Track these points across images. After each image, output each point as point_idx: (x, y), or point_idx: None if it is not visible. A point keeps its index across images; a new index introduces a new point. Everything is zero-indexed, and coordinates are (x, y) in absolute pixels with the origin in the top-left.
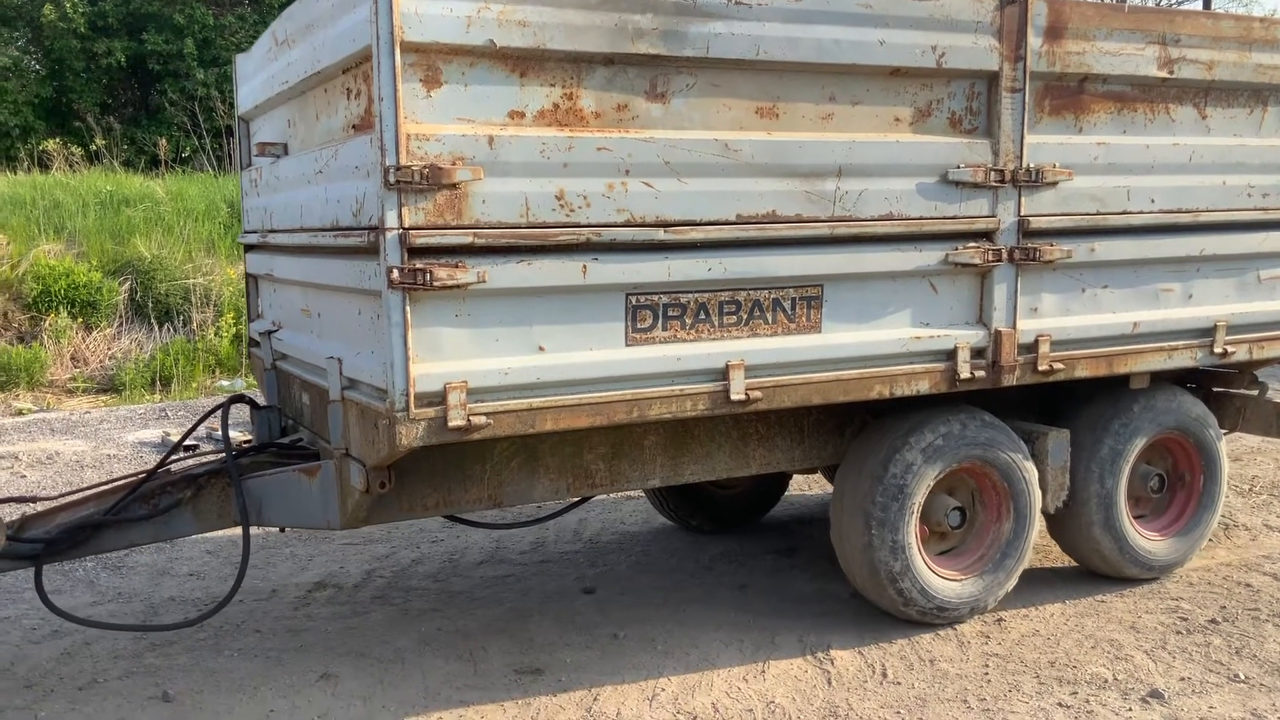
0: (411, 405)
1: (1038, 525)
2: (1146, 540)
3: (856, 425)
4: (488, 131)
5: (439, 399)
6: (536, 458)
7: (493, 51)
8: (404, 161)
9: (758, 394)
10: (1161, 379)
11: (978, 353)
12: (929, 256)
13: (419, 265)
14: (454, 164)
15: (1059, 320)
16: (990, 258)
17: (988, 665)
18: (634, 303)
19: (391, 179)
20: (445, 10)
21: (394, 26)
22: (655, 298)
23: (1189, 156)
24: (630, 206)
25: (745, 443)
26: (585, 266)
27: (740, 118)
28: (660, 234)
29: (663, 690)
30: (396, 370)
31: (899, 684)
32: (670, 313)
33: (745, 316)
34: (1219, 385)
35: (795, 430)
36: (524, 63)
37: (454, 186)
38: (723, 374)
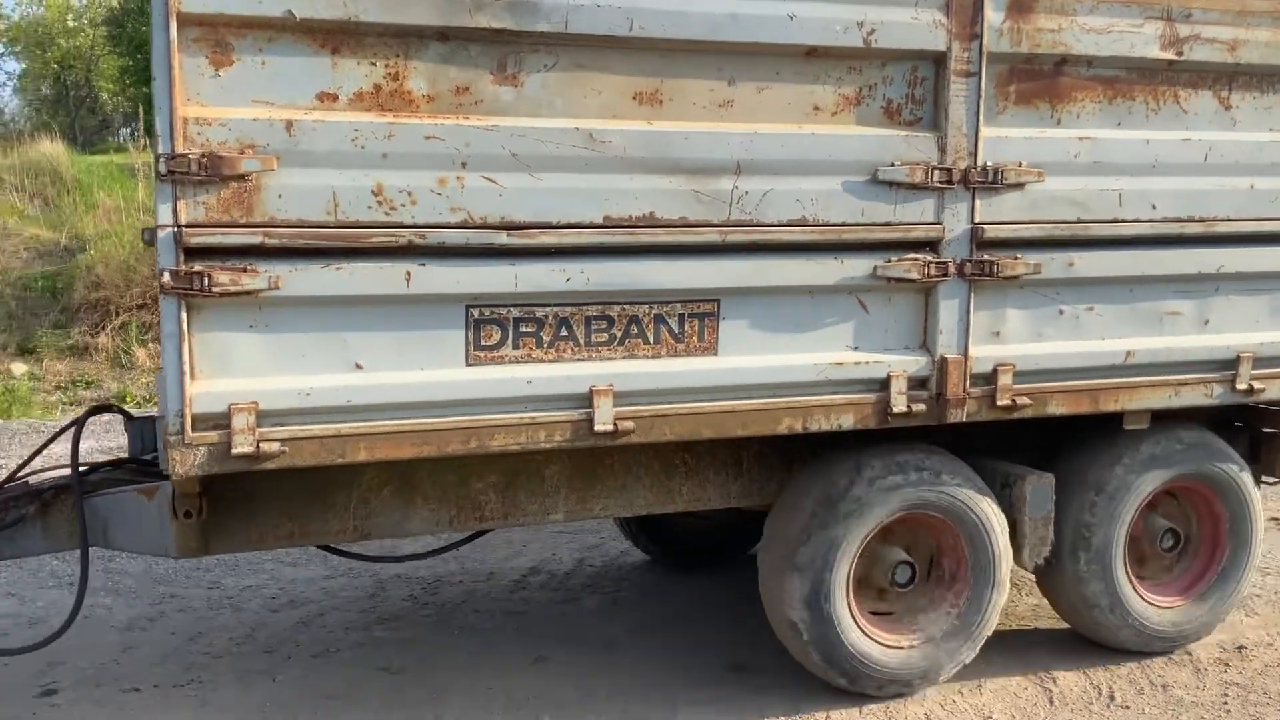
0: (187, 428)
1: (1008, 584)
2: (1151, 606)
3: (803, 461)
4: (287, 116)
5: (223, 421)
6: (413, 486)
7: (294, 24)
8: (179, 149)
9: (629, 424)
10: (1186, 416)
11: (917, 383)
12: (854, 269)
13: (197, 268)
14: (242, 153)
15: (1027, 346)
16: (933, 272)
17: (1227, 695)
18: (476, 316)
19: (164, 169)
20: None
21: None
22: (504, 311)
23: (1204, 154)
24: (468, 205)
25: (669, 476)
26: (409, 273)
27: (614, 104)
28: (503, 237)
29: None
30: (170, 388)
31: (1128, 708)
32: (523, 328)
33: (620, 335)
34: (1271, 425)
35: (731, 463)
36: (337, 37)
37: (242, 178)
38: (587, 400)
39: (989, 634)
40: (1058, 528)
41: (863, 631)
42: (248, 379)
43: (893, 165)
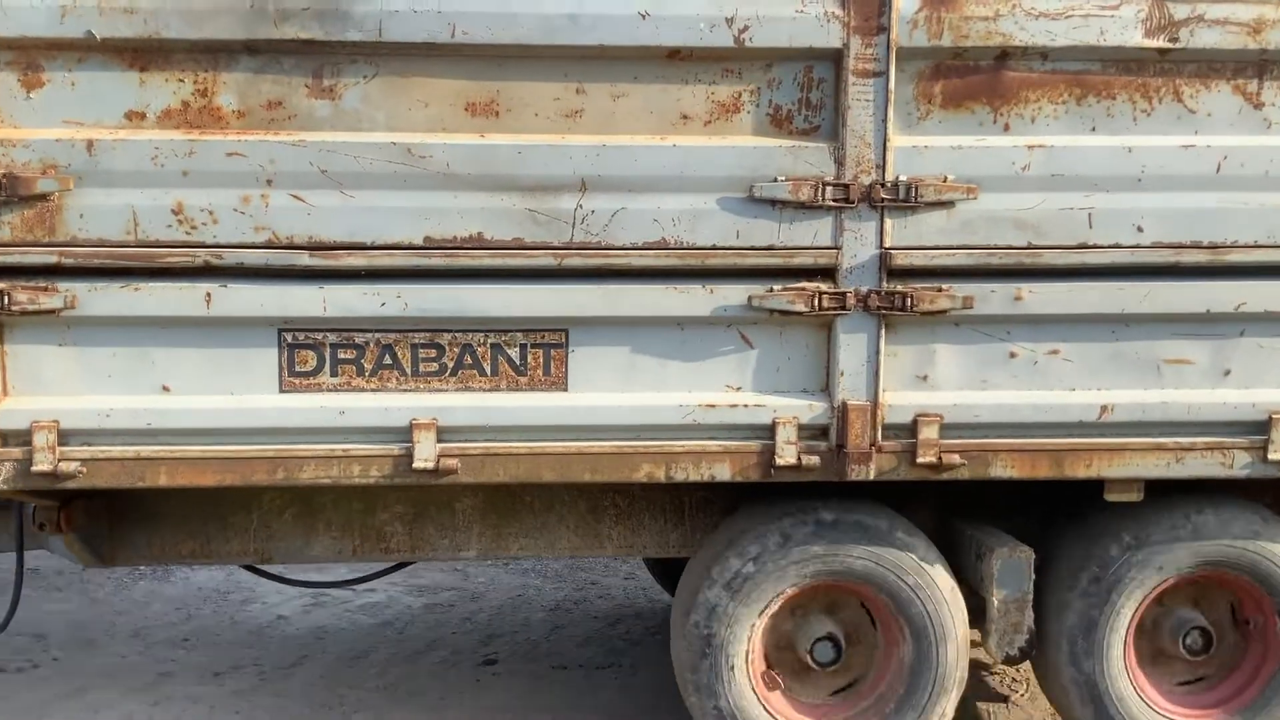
0: None
1: (959, 678)
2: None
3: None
4: (89, 135)
5: (27, 439)
6: (315, 512)
7: (98, 45)
8: None
9: (453, 463)
10: (1229, 487)
11: (815, 432)
12: (728, 299)
13: (9, 287)
14: (44, 173)
15: (964, 395)
16: (825, 303)
17: None
18: (290, 341)
19: None
20: (35, 0)
21: None
22: (319, 336)
23: (1217, 164)
24: (273, 224)
25: (597, 519)
26: (209, 294)
27: (444, 116)
28: (305, 258)
29: None
30: None
31: None
32: (341, 355)
33: (451, 365)
34: None
35: (672, 509)
36: (143, 56)
37: (43, 198)
38: (407, 434)
39: None
40: (1044, 613)
41: (762, 706)
42: (52, 397)
43: (775, 181)
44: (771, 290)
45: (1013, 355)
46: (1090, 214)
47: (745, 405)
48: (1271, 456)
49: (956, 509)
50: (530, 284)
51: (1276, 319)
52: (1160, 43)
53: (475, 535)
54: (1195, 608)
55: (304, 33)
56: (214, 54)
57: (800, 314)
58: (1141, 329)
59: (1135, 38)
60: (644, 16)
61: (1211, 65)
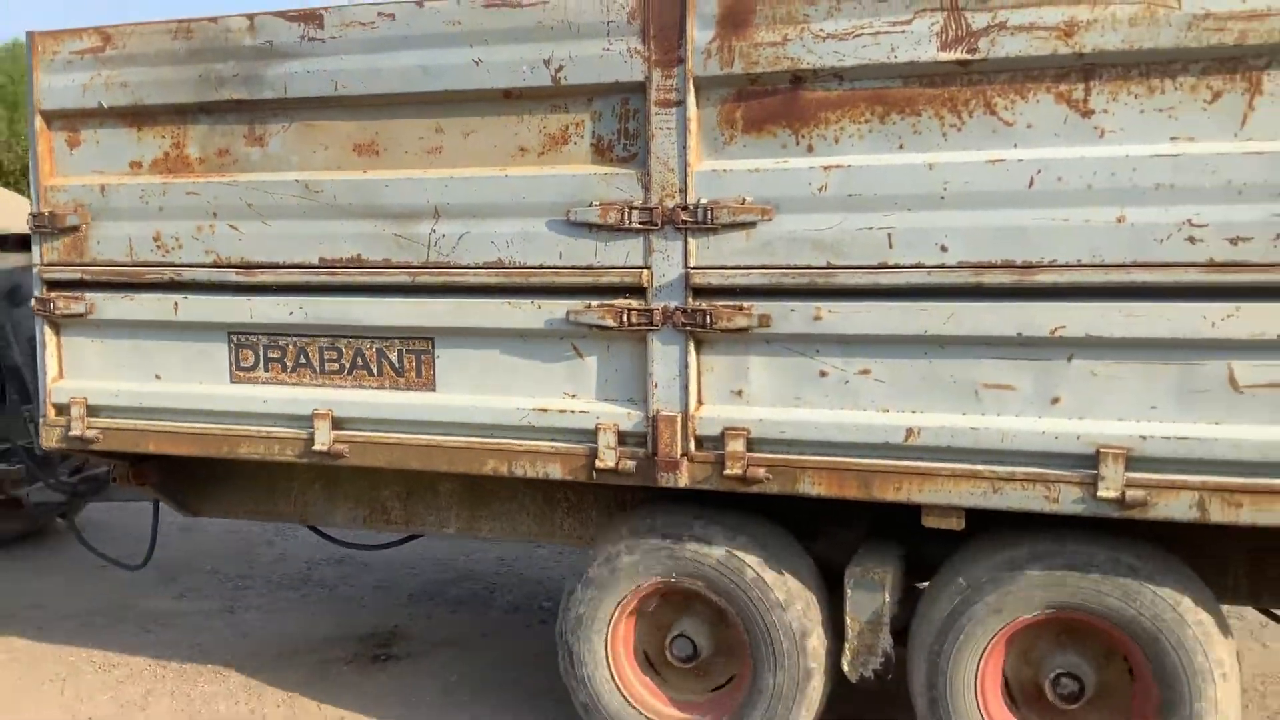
0: (49, 413)
1: (814, 692)
2: None
3: None
4: (102, 181)
5: (67, 411)
6: (336, 486)
7: (107, 111)
8: (40, 209)
9: (343, 447)
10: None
11: (634, 439)
12: (554, 313)
13: (52, 296)
14: (74, 210)
15: (774, 411)
16: (633, 319)
17: None
18: (236, 341)
19: (31, 224)
20: (68, 81)
21: (34, 97)
22: (255, 338)
23: (1030, 179)
24: (217, 248)
25: (552, 509)
26: (176, 303)
27: (338, 156)
28: (233, 275)
29: None
30: (42, 383)
31: None
32: (270, 354)
33: (348, 365)
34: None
35: (616, 505)
36: (139, 118)
37: (75, 230)
38: (309, 422)
39: None
40: (911, 639)
41: (624, 698)
42: (84, 380)
43: (589, 206)
44: (589, 306)
45: (823, 374)
46: (890, 233)
47: (572, 411)
48: (1103, 494)
49: (883, 526)
50: (398, 298)
51: (1110, 344)
52: (959, 54)
53: (454, 515)
54: (1069, 650)
55: (236, 94)
56: (182, 114)
57: (613, 329)
58: (956, 351)
59: (930, 52)
60: (477, 63)
61: (1028, 74)
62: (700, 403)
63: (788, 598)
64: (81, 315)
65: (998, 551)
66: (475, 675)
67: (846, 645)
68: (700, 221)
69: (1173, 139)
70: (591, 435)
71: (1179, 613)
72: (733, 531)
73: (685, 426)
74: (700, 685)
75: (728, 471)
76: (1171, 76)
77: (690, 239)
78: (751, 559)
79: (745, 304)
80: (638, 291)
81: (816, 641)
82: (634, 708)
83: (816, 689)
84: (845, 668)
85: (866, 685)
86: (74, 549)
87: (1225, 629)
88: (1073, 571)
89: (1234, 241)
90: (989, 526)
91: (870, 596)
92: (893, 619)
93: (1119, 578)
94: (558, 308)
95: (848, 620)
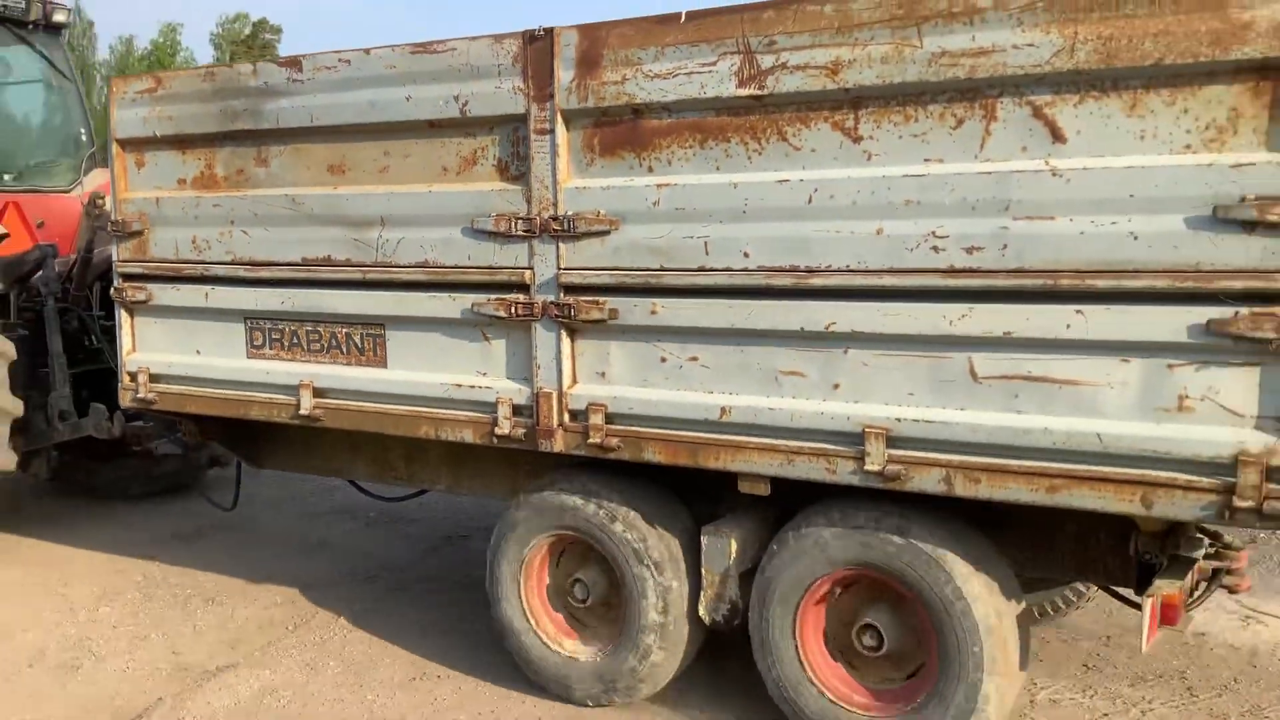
0: (124, 380)
1: (675, 632)
2: (845, 712)
3: None
4: (158, 194)
5: (136, 378)
6: (357, 447)
7: (160, 139)
8: (116, 218)
9: (320, 413)
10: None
11: (523, 411)
12: (464, 305)
13: (124, 286)
14: (138, 219)
15: (625, 390)
16: (519, 311)
17: None
18: (249, 325)
19: (109, 229)
20: (133, 115)
21: (112, 127)
22: (262, 323)
23: (809, 196)
24: (234, 249)
25: (515, 471)
26: (207, 293)
27: (318, 175)
28: (243, 271)
29: None
30: (120, 355)
31: None
32: (273, 335)
33: (327, 345)
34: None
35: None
36: (182, 144)
37: (139, 234)
38: (295, 390)
39: (659, 671)
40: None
41: (534, 633)
42: (148, 354)
43: (488, 217)
44: (489, 300)
45: (663, 359)
46: (706, 242)
47: (481, 386)
48: (869, 467)
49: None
50: (358, 290)
51: (875, 339)
52: (753, 90)
53: (443, 474)
54: (874, 607)
55: (245, 125)
56: (211, 141)
57: (505, 319)
58: (759, 342)
59: (730, 88)
60: (408, 99)
61: (809, 106)
62: (574, 381)
63: (650, 548)
64: (144, 302)
65: (816, 515)
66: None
67: (702, 594)
68: (567, 231)
69: (925, 160)
70: (494, 407)
71: (947, 570)
72: (611, 492)
73: (560, 402)
74: (580, 620)
75: (590, 440)
76: (923, 106)
77: (561, 245)
78: (623, 516)
79: (600, 300)
80: (524, 288)
81: (677, 583)
82: (536, 635)
83: (672, 626)
84: (700, 612)
85: (719, 629)
86: None
87: (1005, 590)
88: (859, 531)
89: (970, 251)
90: (823, 497)
91: (720, 552)
92: (742, 574)
93: (896, 537)
94: (468, 301)
95: (703, 571)
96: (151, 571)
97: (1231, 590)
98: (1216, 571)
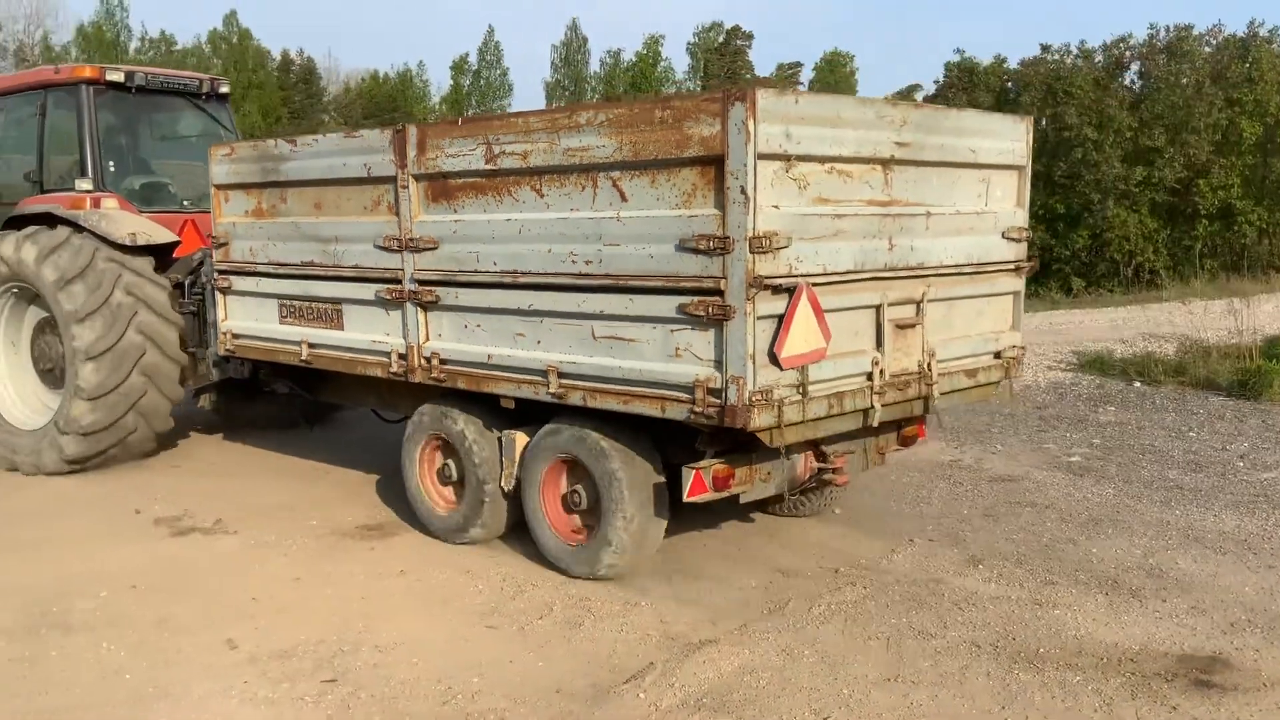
0: (221, 337)
1: (498, 496)
2: (559, 541)
3: None
4: (234, 220)
5: (226, 337)
6: (368, 386)
7: (233, 185)
8: (211, 234)
9: (310, 359)
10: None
11: (402, 356)
12: (375, 291)
13: (218, 277)
14: (224, 235)
15: (447, 344)
16: (396, 294)
17: None
18: (278, 303)
19: (212, 240)
20: (220, 169)
21: (210, 175)
22: (285, 301)
23: (519, 229)
24: (270, 255)
25: (415, 399)
26: (257, 283)
27: (308, 210)
28: (274, 269)
29: None
30: (216, 322)
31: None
32: (291, 309)
33: (317, 316)
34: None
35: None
36: (246, 188)
37: (225, 244)
38: (299, 345)
39: (494, 520)
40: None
41: (427, 498)
42: (233, 320)
43: (383, 238)
44: (386, 288)
45: (465, 326)
46: (477, 255)
47: (384, 342)
48: (550, 389)
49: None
50: (328, 282)
51: (553, 315)
52: (491, 166)
53: (383, 403)
54: (578, 478)
55: (269, 177)
56: (258, 186)
57: (391, 300)
58: (505, 317)
59: (482, 164)
60: (345, 164)
61: (518, 176)
62: (426, 339)
63: (480, 446)
64: (228, 288)
65: (551, 425)
66: None
67: (502, 472)
68: (416, 248)
69: (570, 209)
70: (389, 355)
71: (609, 456)
72: (459, 412)
73: (419, 351)
74: (452, 490)
75: (433, 375)
76: (568, 177)
77: (414, 256)
78: (465, 425)
79: (433, 289)
80: (399, 282)
81: (494, 466)
82: (429, 499)
83: (494, 492)
84: (502, 483)
85: (510, 496)
86: None
87: (649, 469)
88: (568, 432)
89: (587, 263)
90: (557, 414)
91: (509, 447)
92: (521, 460)
93: (585, 436)
94: (377, 289)
95: (503, 459)
96: None
97: (835, 484)
98: (822, 470)
